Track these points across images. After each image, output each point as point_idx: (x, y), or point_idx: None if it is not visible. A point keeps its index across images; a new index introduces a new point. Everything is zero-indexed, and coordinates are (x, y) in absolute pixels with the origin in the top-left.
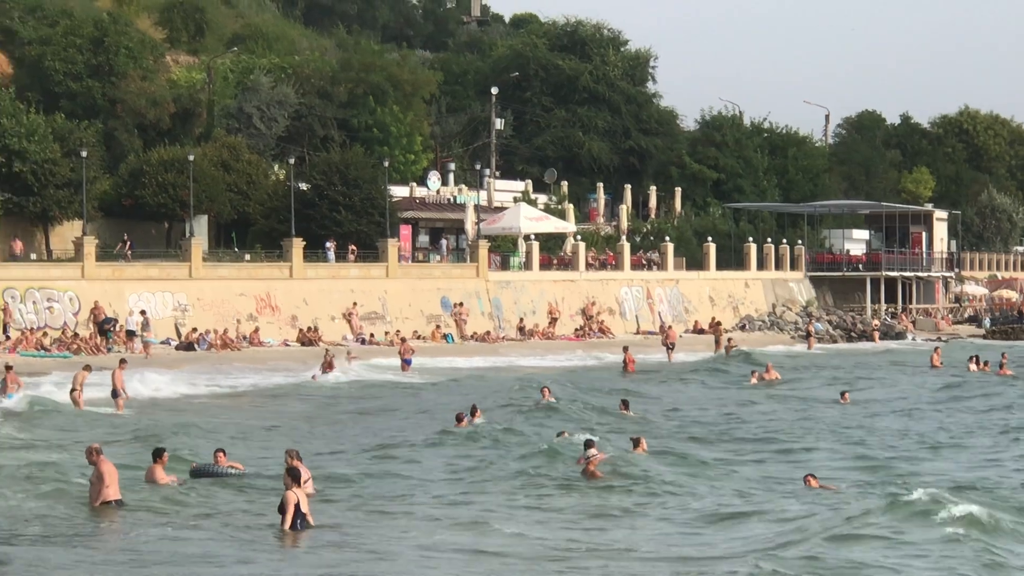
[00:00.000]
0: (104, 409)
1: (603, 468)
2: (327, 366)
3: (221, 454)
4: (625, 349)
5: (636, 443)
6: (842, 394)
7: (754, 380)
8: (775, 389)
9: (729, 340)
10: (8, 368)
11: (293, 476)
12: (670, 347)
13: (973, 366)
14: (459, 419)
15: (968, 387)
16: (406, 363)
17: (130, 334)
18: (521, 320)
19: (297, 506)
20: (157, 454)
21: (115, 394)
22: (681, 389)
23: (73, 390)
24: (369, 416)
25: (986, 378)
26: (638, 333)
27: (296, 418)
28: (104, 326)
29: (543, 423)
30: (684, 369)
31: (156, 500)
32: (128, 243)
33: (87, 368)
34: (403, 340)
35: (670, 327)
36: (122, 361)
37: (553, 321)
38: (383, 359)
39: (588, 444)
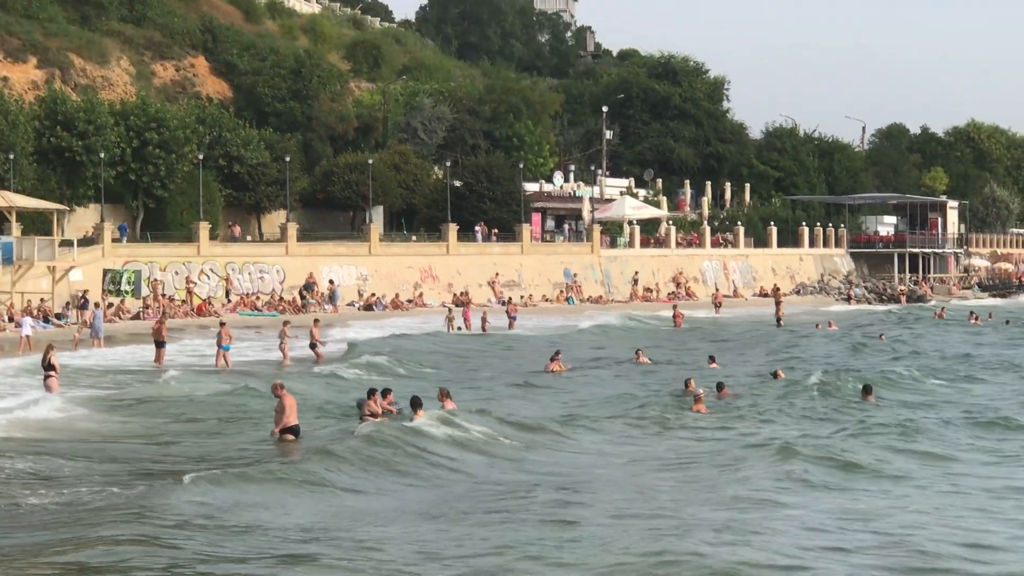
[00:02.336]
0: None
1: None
2: (449, 322)
3: (390, 395)
4: (674, 307)
5: (719, 387)
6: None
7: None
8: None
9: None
10: (222, 324)
11: (414, 405)
12: (717, 306)
13: (972, 320)
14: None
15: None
16: (512, 319)
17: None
18: (636, 277)
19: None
20: (384, 393)
21: (313, 346)
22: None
23: (281, 343)
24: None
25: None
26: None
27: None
28: (303, 290)
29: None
30: (732, 323)
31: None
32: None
33: (287, 323)
34: (509, 300)
35: (717, 291)
36: (316, 320)
37: (648, 290)
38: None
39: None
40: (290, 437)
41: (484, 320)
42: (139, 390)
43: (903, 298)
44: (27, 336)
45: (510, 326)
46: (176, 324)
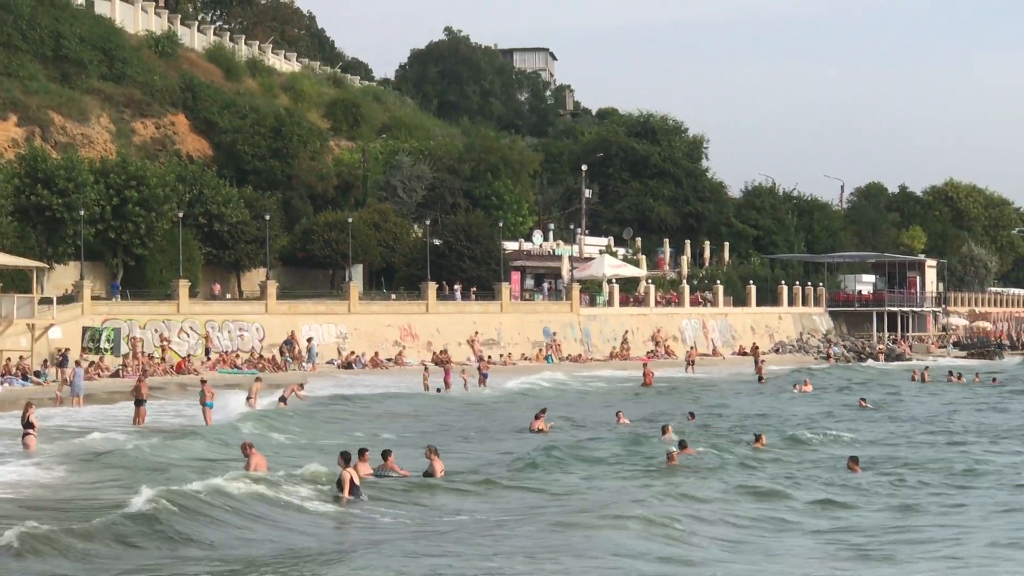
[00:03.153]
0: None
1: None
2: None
3: (391, 457)
4: (645, 365)
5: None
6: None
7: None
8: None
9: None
10: (203, 382)
11: (345, 459)
12: (690, 363)
13: (952, 378)
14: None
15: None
16: (483, 377)
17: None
18: (624, 342)
19: (352, 480)
20: (360, 453)
21: (281, 400)
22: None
23: (249, 398)
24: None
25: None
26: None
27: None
28: (283, 347)
29: None
30: (707, 382)
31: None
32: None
33: (258, 380)
34: (484, 358)
35: (692, 349)
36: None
37: (627, 348)
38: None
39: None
40: None
41: (464, 378)
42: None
43: (882, 356)
44: None
45: (480, 383)
46: (156, 383)
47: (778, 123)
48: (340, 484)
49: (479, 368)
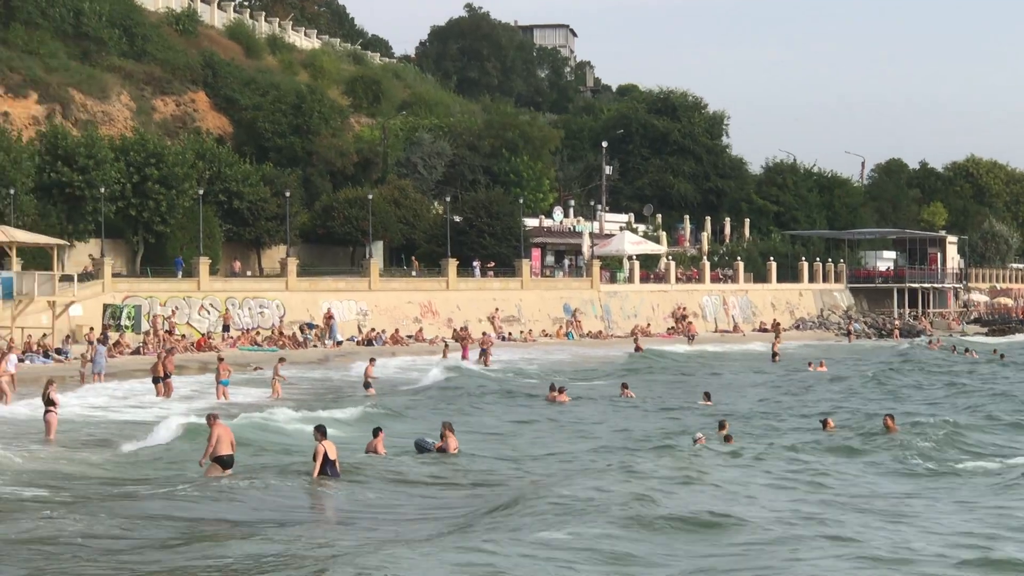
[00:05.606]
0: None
1: None
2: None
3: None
4: (635, 338)
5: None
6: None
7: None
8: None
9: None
10: (220, 360)
11: (321, 431)
12: (690, 338)
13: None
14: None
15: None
16: (483, 352)
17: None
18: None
19: (326, 455)
20: (375, 432)
21: (367, 385)
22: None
23: (273, 377)
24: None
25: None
26: (716, 331)
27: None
28: (302, 327)
29: None
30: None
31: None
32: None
33: (282, 360)
34: (484, 334)
35: (690, 323)
36: (372, 359)
37: (648, 325)
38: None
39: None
40: (219, 468)
41: (487, 354)
42: None
43: (897, 333)
44: (12, 374)
45: (485, 362)
46: (176, 360)
47: (799, 99)
48: (314, 457)
49: (481, 343)
